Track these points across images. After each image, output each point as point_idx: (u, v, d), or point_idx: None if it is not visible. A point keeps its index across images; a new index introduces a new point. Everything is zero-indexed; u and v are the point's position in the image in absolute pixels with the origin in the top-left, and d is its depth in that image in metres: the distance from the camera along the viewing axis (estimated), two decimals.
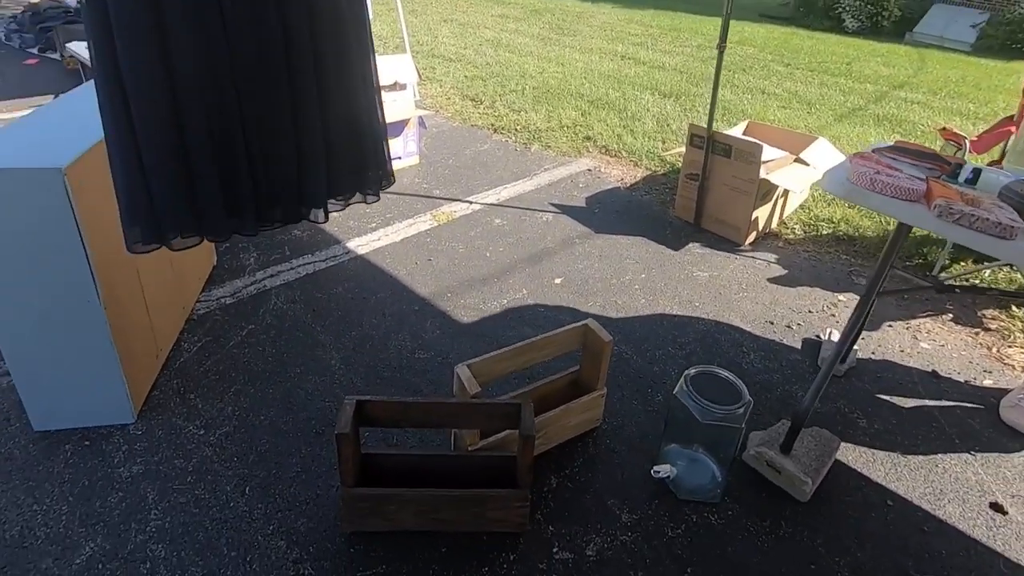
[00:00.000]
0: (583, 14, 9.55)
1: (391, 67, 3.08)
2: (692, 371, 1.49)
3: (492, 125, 4.04)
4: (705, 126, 2.63)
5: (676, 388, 1.48)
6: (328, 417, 1.66)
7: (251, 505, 1.43)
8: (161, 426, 1.62)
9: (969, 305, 2.34)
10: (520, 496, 1.31)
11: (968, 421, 1.80)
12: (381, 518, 1.33)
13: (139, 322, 1.66)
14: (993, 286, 2.46)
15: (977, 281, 2.50)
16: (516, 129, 3.98)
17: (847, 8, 9.68)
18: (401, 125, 3.19)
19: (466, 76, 5.11)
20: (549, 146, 3.76)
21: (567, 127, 4.04)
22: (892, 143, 1.48)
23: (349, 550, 1.33)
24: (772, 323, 2.21)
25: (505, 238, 2.66)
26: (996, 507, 1.54)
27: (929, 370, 2.00)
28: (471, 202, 2.98)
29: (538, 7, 9.89)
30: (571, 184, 3.26)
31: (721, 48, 2.42)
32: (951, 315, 2.28)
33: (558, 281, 2.36)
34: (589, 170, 3.45)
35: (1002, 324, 2.24)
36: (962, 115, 5.01)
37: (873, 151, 1.35)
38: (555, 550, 1.34)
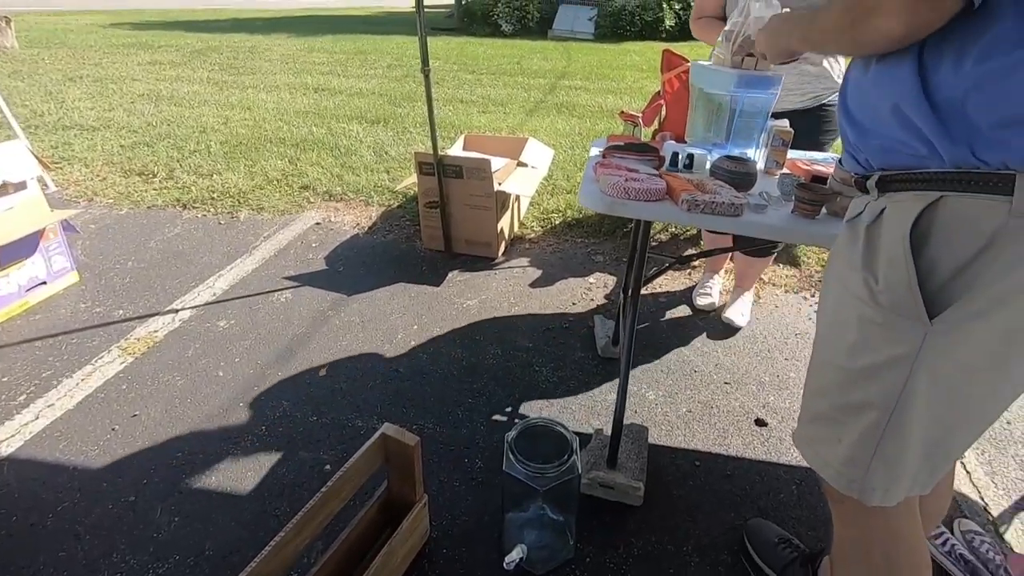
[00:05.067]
0: (256, 48, 8.75)
1: None
2: (511, 435, 1.33)
3: (178, 200, 3.27)
4: (430, 152, 2.50)
5: (504, 462, 1.29)
6: None
7: None
8: None
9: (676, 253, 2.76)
10: None
11: (714, 354, 2.08)
12: None
13: None
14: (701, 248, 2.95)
15: (673, 228, 2.98)
16: (213, 198, 3.29)
17: (501, 14, 11.02)
18: (33, 240, 2.27)
19: (122, 145, 4.07)
20: (262, 208, 3.20)
21: (277, 180, 3.52)
22: (606, 142, 1.53)
23: None
24: (550, 329, 2.22)
25: (239, 343, 2.11)
26: (759, 422, 1.80)
27: (674, 322, 2.27)
28: (177, 310, 2.30)
29: (199, 47, 8.70)
30: (302, 246, 2.81)
31: (426, 72, 2.31)
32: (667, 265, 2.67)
33: (323, 372, 1.96)
34: (318, 223, 3.05)
35: (703, 261, 2.68)
36: (611, 92, 6.08)
37: (604, 155, 1.38)
38: None
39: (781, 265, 2.65)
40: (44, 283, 2.34)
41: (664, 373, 1.98)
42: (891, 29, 0.67)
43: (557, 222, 3.07)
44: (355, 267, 2.63)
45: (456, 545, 1.40)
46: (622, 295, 1.98)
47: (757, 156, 1.50)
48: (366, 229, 2.99)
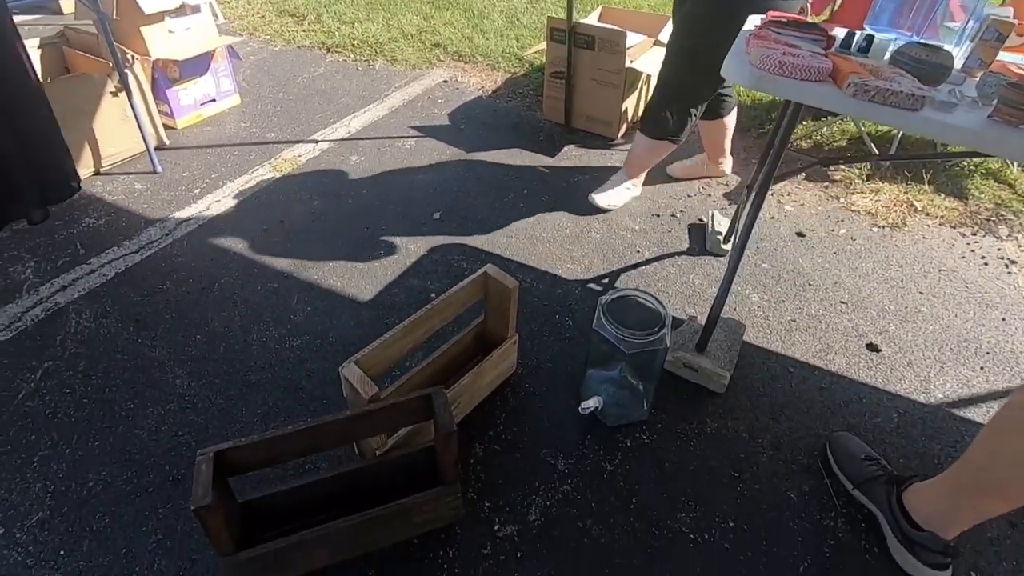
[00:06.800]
0: None
1: None
2: (606, 299, 1.37)
3: (323, 43, 3.42)
4: (564, 18, 2.37)
5: (594, 320, 1.35)
6: (186, 455, 1.33)
7: None
8: None
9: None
10: (449, 492, 1.13)
11: (835, 272, 1.92)
12: (284, 573, 1.09)
13: None
14: (870, 154, 2.60)
15: (818, 137, 2.63)
16: (353, 45, 3.40)
17: None
18: (205, 60, 2.54)
19: None
20: (396, 60, 3.27)
21: (411, 36, 3.54)
22: (764, 17, 1.35)
23: None
24: (658, 215, 2.16)
25: (366, 177, 2.29)
26: (871, 347, 1.68)
27: (795, 231, 2.09)
28: (317, 141, 2.51)
29: None
30: (429, 101, 2.88)
31: None
32: (804, 174, 2.38)
33: (437, 216, 2.10)
34: (445, 81, 3.07)
35: (844, 175, 2.38)
36: None
37: (760, 28, 1.21)
38: (496, 527, 1.22)
39: (942, 196, 2.30)
40: (213, 100, 2.64)
41: (774, 280, 1.89)
42: None
43: None
44: (475, 127, 2.66)
45: (538, 383, 1.53)
46: (747, 189, 1.85)
47: (957, 53, 1.24)
48: (490, 92, 2.98)
